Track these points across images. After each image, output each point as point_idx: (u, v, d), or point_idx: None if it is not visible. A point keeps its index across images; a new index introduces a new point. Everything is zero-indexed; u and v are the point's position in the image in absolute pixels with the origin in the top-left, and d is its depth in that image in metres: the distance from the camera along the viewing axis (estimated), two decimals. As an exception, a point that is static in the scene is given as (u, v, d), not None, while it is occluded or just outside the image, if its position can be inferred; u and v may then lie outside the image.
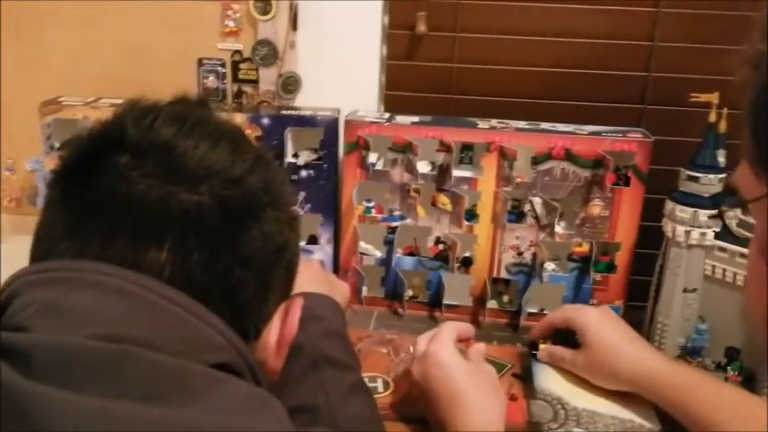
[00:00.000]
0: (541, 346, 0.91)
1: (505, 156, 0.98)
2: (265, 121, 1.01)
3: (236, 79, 1.10)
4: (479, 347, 0.81)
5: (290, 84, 1.09)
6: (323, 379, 0.71)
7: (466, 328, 0.84)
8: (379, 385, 0.87)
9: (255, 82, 1.09)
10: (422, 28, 1.08)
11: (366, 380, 0.87)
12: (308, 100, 1.11)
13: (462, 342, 0.83)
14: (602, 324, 0.85)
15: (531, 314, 1.03)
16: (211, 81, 1.10)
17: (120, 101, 1.04)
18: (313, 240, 1.06)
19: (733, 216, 0.74)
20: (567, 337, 0.89)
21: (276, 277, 0.51)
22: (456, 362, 0.77)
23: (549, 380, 0.88)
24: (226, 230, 0.47)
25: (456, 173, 0.99)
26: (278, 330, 0.54)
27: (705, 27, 1.06)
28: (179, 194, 0.46)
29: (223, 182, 0.47)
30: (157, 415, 0.38)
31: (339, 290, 0.86)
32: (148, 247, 0.45)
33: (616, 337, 0.84)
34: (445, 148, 1.00)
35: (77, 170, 0.48)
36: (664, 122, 1.08)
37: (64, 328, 0.41)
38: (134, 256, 0.45)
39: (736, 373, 0.89)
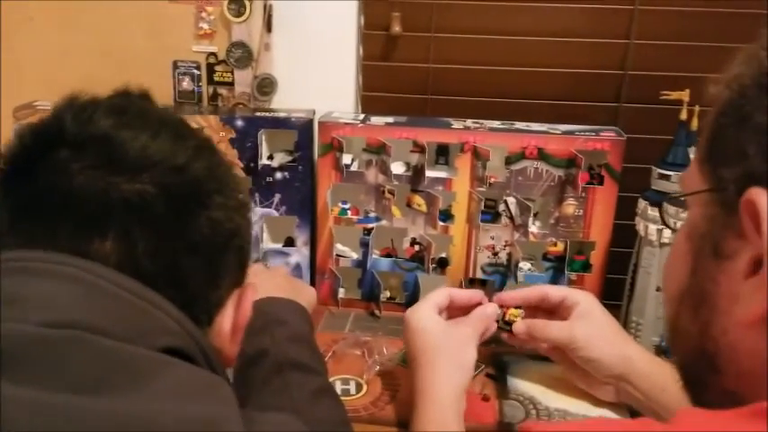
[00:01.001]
0: (515, 320, 0.83)
1: (479, 156, 0.98)
2: (239, 122, 1.01)
3: (211, 81, 1.10)
4: (478, 315, 0.81)
5: (266, 85, 1.09)
6: (288, 383, 0.71)
7: (464, 294, 0.83)
8: (352, 387, 0.87)
9: (231, 84, 1.09)
10: (397, 29, 1.07)
11: (339, 382, 0.88)
12: (284, 102, 1.11)
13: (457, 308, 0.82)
14: (599, 305, 0.83)
15: (507, 314, 1.03)
16: (187, 83, 1.10)
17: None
18: (290, 242, 1.06)
19: (674, 213, 0.75)
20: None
21: (227, 264, 0.52)
22: (419, 324, 0.78)
23: (521, 380, 0.88)
24: (171, 218, 0.47)
25: (430, 173, 0.99)
26: (232, 317, 0.54)
27: (682, 25, 1.06)
28: (120, 185, 0.46)
29: (165, 170, 0.48)
30: (90, 407, 0.38)
31: (306, 295, 0.87)
32: (92, 238, 0.46)
33: (614, 321, 0.82)
34: (419, 148, 0.99)
35: (19, 167, 0.48)
36: (640, 121, 1.08)
37: (18, 317, 0.41)
38: (79, 248, 0.45)
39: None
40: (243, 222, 0.54)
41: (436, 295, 0.82)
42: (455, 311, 0.83)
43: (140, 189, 0.46)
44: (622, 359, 0.80)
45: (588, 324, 0.81)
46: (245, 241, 0.54)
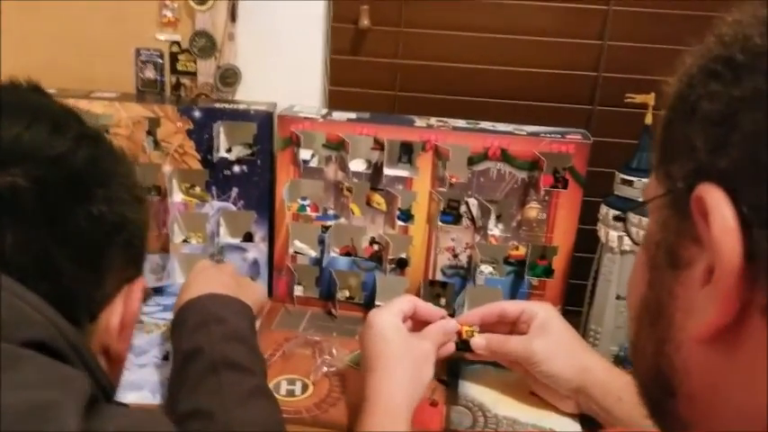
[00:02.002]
0: (473, 337, 0.82)
1: (441, 155, 0.96)
2: (196, 114, 0.98)
3: (174, 71, 1.07)
4: (436, 328, 0.80)
5: (229, 76, 1.07)
6: (221, 383, 0.69)
7: (429, 307, 0.82)
8: (298, 388, 0.85)
9: (194, 74, 1.07)
10: (365, 22, 1.05)
11: (285, 382, 0.85)
12: (249, 94, 1.08)
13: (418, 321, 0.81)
14: (558, 315, 0.82)
15: (467, 318, 1.00)
16: (150, 72, 1.08)
17: (52, 90, 1.03)
18: (248, 238, 1.04)
19: (637, 223, 0.71)
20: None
21: (110, 259, 0.50)
22: (383, 330, 0.77)
23: (472, 386, 0.86)
24: (43, 212, 0.45)
25: (388, 172, 0.97)
26: (120, 313, 0.53)
27: (657, 26, 1.03)
28: None
29: (39, 162, 0.46)
30: None
31: (252, 293, 0.85)
32: None
33: (573, 331, 0.82)
34: (380, 146, 0.97)
35: None
36: (613, 124, 1.06)
37: None
38: None
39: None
40: (134, 216, 0.52)
41: (402, 302, 0.81)
42: (415, 323, 0.82)
43: (11, 182, 0.44)
44: (580, 371, 0.78)
45: (546, 338, 0.80)
46: (134, 236, 0.52)
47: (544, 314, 0.82)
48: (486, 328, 0.84)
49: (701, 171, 0.35)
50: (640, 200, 0.87)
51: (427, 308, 0.83)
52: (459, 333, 0.83)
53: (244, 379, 0.71)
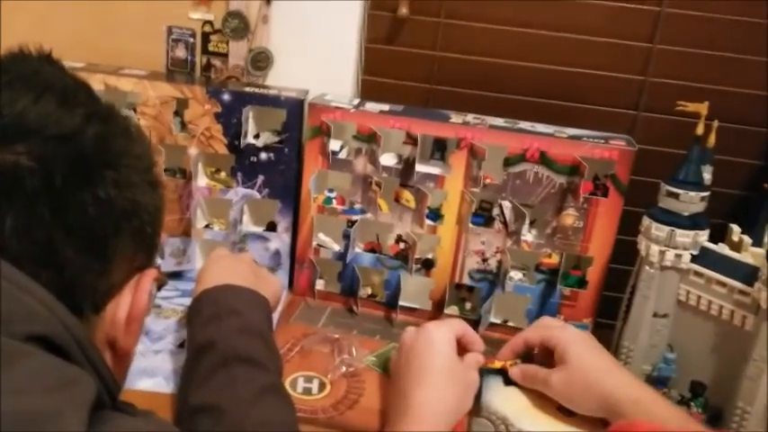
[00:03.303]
0: (511, 369, 0.83)
1: (476, 154, 0.92)
2: (225, 97, 0.95)
3: (205, 51, 1.04)
4: (478, 357, 0.80)
5: (261, 60, 1.03)
6: (233, 378, 0.66)
7: (476, 338, 0.82)
8: (315, 386, 0.81)
9: (225, 55, 1.04)
10: (404, 11, 1.01)
11: (301, 379, 0.82)
12: (280, 79, 1.05)
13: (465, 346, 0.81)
14: (585, 342, 0.79)
15: (493, 325, 0.97)
16: (180, 51, 1.05)
17: (80, 64, 1.00)
18: (271, 227, 1.01)
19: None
20: (530, 359, 0.84)
21: (118, 247, 0.47)
22: (444, 347, 0.76)
23: (497, 397, 0.82)
24: (46, 194, 0.42)
25: (420, 168, 0.93)
26: (129, 305, 0.49)
27: (710, 31, 0.98)
28: None
29: (45, 140, 0.42)
30: None
31: (269, 285, 0.82)
32: None
33: (601, 357, 0.78)
34: (413, 141, 0.93)
35: None
36: (658, 131, 1.01)
37: None
38: None
39: (700, 410, 0.82)
40: (146, 202, 0.48)
41: (457, 324, 0.81)
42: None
43: (14, 161, 0.41)
44: (602, 399, 0.74)
45: (563, 371, 0.78)
46: (146, 223, 0.49)
47: (561, 344, 0.79)
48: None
49: None
50: (685, 214, 0.82)
51: (474, 337, 0.82)
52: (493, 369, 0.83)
53: (257, 375, 0.68)
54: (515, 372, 0.83)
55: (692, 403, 0.82)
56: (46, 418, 0.35)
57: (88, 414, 0.37)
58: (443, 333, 0.77)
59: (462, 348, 0.80)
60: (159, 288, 0.86)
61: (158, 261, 1.00)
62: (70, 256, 0.43)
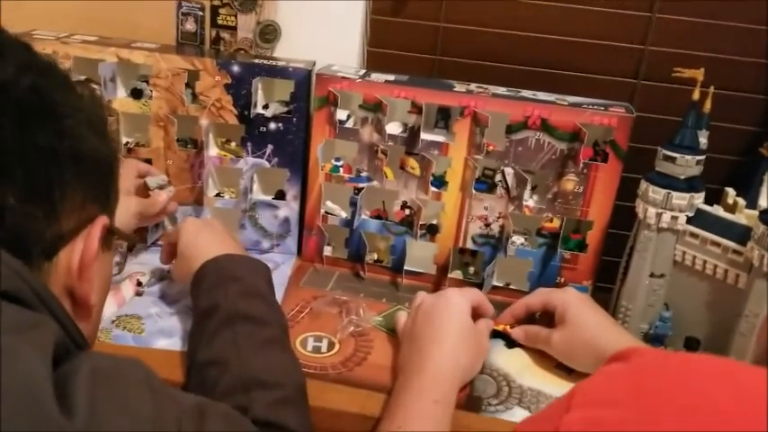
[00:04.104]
0: (513, 330, 0.87)
1: (479, 122, 0.94)
2: (235, 68, 0.98)
3: (214, 24, 1.07)
4: (489, 322, 0.85)
5: (269, 33, 1.06)
6: (236, 334, 0.71)
7: (491, 308, 0.86)
8: (324, 345, 0.85)
9: (234, 29, 1.06)
10: (409, -17, 1.03)
11: (311, 339, 0.86)
12: (288, 51, 1.08)
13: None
14: (584, 303, 0.83)
15: (495, 288, 1.00)
16: (190, 24, 1.07)
17: (93, 37, 1.03)
18: (280, 195, 1.04)
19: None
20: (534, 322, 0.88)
21: (67, 196, 0.48)
22: (462, 311, 0.80)
23: (499, 355, 0.86)
24: None
25: (425, 136, 0.95)
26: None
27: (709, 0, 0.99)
28: None
29: None
30: None
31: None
32: None
33: (599, 317, 0.82)
34: (418, 109, 0.96)
35: None
36: (656, 99, 1.03)
37: None
38: None
39: (694, 364, 0.85)
40: (91, 151, 0.49)
41: (476, 293, 0.85)
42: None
43: None
44: (598, 356, 0.77)
45: (562, 330, 0.82)
46: (92, 173, 0.50)
47: (561, 305, 0.83)
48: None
49: None
50: (682, 177, 0.85)
51: (489, 308, 0.86)
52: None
53: (259, 330, 0.72)
54: (518, 332, 0.87)
55: (687, 359, 0.85)
56: (6, 356, 0.36)
57: (51, 357, 0.39)
58: (462, 299, 0.82)
59: (477, 317, 0.84)
60: (130, 249, 0.89)
61: (171, 228, 1.04)
62: (11, 203, 0.44)
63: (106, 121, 0.53)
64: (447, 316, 0.79)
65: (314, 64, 1.02)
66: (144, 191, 0.96)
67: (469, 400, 0.78)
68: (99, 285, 0.52)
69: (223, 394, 0.65)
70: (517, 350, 0.87)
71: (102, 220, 0.51)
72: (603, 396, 0.43)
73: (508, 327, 0.88)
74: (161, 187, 0.97)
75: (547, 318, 0.86)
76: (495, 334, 0.87)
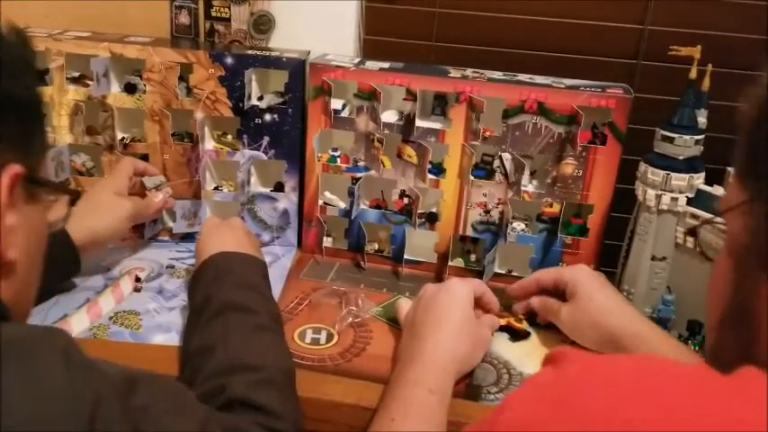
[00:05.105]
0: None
1: (475, 108, 0.93)
2: (228, 60, 0.97)
3: (208, 16, 1.06)
4: (495, 319, 0.84)
5: (263, 23, 1.05)
6: (226, 323, 0.72)
7: (494, 299, 0.85)
8: (323, 337, 0.85)
9: (228, 20, 1.06)
10: (402, -31, 1.02)
11: (310, 330, 0.86)
12: (283, 42, 1.07)
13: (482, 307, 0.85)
14: (595, 280, 0.82)
15: (497, 275, 0.99)
16: (184, 17, 1.07)
17: (86, 33, 1.03)
18: (279, 187, 1.03)
19: (711, 234, 0.67)
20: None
21: None
22: (463, 301, 0.79)
23: (499, 342, 0.85)
24: None
25: (420, 124, 0.94)
26: None
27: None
28: None
29: None
30: None
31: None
32: None
33: (609, 295, 0.81)
34: (413, 97, 0.95)
35: None
36: (657, 80, 1.01)
37: None
38: None
39: (697, 348, 0.84)
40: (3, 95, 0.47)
41: (477, 284, 0.84)
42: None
43: None
44: (605, 334, 0.77)
45: (571, 306, 0.82)
46: (8, 118, 0.47)
47: (572, 281, 0.82)
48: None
49: None
50: (681, 157, 0.83)
51: (492, 298, 0.85)
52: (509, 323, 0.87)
53: (249, 318, 0.73)
54: (536, 300, 0.86)
55: (690, 341, 0.84)
56: None
57: None
58: (464, 289, 0.81)
59: (480, 307, 0.84)
60: (73, 202, 0.86)
61: (170, 224, 1.04)
62: None
63: (28, 62, 0.50)
64: (447, 306, 0.79)
65: (308, 54, 1.01)
66: (141, 189, 0.96)
67: (469, 388, 0.77)
68: (24, 240, 0.48)
69: (206, 378, 0.64)
70: (519, 344, 0.86)
71: (13, 169, 0.47)
72: (527, 418, 0.41)
73: (513, 320, 0.87)
74: (158, 188, 0.97)
75: (559, 297, 0.85)
76: (500, 327, 0.86)
